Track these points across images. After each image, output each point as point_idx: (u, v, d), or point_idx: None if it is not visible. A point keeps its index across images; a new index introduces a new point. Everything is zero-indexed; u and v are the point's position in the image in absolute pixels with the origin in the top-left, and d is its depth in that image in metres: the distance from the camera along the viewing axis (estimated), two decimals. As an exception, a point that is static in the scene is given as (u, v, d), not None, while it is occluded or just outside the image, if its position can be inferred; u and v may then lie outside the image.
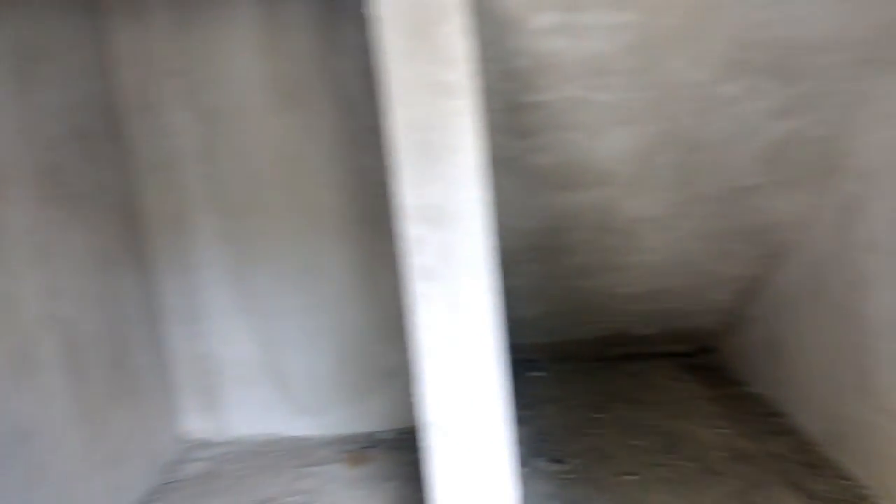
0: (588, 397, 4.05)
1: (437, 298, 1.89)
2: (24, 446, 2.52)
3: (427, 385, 1.98)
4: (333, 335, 3.70)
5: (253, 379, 3.76)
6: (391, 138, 1.82)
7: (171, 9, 3.45)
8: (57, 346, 2.76)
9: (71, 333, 2.86)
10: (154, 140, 3.54)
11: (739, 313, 3.86)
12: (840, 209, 2.70)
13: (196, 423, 3.82)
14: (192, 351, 3.74)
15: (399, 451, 3.60)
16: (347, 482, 3.37)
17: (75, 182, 3.01)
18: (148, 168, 3.56)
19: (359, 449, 3.65)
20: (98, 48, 3.35)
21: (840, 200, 2.68)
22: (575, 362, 4.53)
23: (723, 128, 2.49)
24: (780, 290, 3.43)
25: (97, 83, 3.31)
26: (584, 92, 2.30)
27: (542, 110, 2.37)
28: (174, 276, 3.66)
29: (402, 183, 1.81)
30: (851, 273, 2.69)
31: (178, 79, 3.49)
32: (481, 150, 1.79)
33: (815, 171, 2.68)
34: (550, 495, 3.03)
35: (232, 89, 3.50)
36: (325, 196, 3.56)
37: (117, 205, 3.36)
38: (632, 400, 3.93)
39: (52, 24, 2.95)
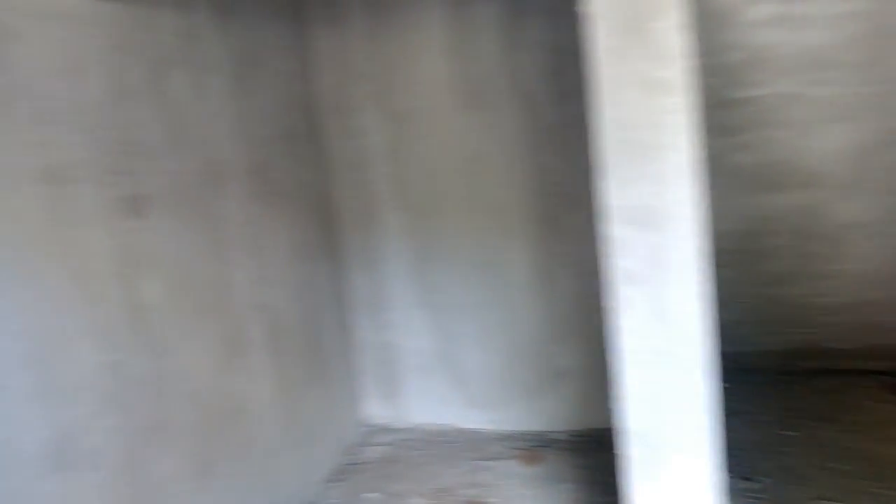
0: (776, 413, 3.78)
1: (641, 303, 1.84)
2: (236, 421, 2.76)
3: (627, 391, 1.94)
4: (508, 332, 3.73)
5: (430, 370, 3.88)
6: (597, 137, 1.79)
7: (365, 16, 3.63)
8: (263, 331, 3.00)
9: (274, 319, 3.09)
10: (346, 141, 3.75)
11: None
12: None
13: (377, 409, 4.01)
14: (375, 340, 3.92)
15: (572, 453, 3.57)
16: (522, 479, 3.39)
17: (280, 180, 3.25)
18: (340, 167, 3.78)
19: (532, 447, 3.65)
20: (301, 54, 3.60)
21: None
22: (760, 374, 4.24)
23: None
24: None
25: (300, 87, 3.56)
26: (799, 87, 2.15)
27: (749, 107, 2.24)
28: (361, 269, 3.86)
29: (608, 183, 1.78)
30: None
31: (370, 82, 3.67)
32: (694, 149, 1.72)
33: None
34: (741, 515, 2.88)
35: (419, 91, 3.63)
36: (505, 194, 3.60)
37: (314, 201, 3.59)
38: (827, 419, 3.61)
39: (264, 33, 3.21)
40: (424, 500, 3.29)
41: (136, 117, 2.29)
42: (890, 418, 3.56)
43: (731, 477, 3.19)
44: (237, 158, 2.91)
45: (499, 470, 3.49)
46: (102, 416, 2.06)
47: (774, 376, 4.24)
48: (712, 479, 1.99)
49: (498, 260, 3.68)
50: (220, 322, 2.70)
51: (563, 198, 3.52)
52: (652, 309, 1.85)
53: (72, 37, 2.04)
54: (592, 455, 3.53)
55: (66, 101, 1.99)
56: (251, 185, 2.99)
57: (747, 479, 3.14)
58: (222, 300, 2.73)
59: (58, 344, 1.91)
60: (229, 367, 2.74)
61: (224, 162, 2.80)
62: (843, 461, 3.24)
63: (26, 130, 1.84)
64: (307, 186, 3.53)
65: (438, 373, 3.88)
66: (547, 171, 3.53)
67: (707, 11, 1.95)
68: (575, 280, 3.60)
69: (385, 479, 3.48)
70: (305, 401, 3.34)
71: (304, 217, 3.45)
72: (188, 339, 2.48)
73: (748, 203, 2.75)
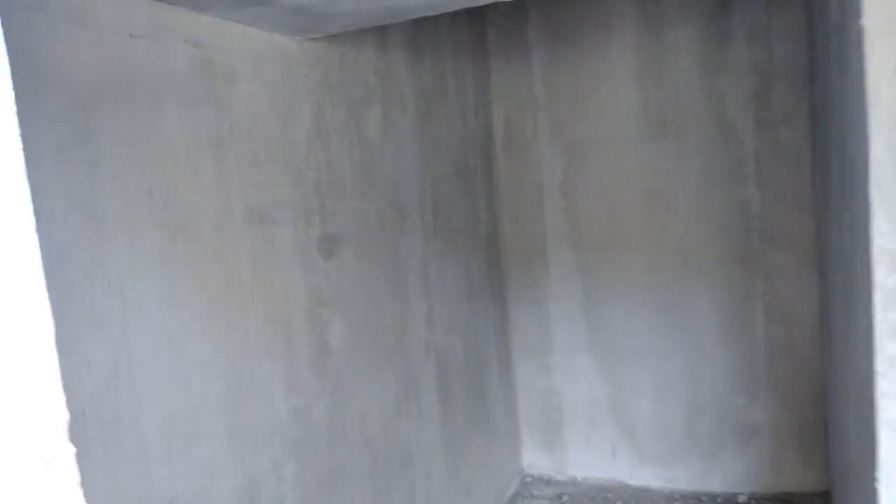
0: None
1: (916, 363, 1.54)
2: (403, 468, 2.62)
3: (889, 469, 1.62)
4: (687, 382, 3.41)
5: (597, 420, 3.61)
6: (866, 169, 1.52)
7: (547, 47, 3.50)
8: (433, 374, 2.86)
9: (443, 362, 2.95)
10: (519, 174, 3.61)
11: None
12: None
13: (537, 459, 3.77)
14: (538, 385, 3.70)
15: (759, 520, 3.18)
16: (701, 547, 3.04)
17: (453, 215, 3.14)
18: (511, 202, 3.64)
19: (712, 510, 3.30)
20: (480, 88, 3.53)
21: None
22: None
23: None
24: None
25: (477, 121, 3.47)
26: None
27: None
28: (526, 309, 3.67)
29: (876, 223, 1.50)
30: None
31: (547, 113, 3.52)
32: None
33: None
34: None
35: (599, 121, 3.44)
36: (692, 230, 3.32)
37: (483, 238, 3.46)
38: None
39: (447, 67, 3.15)
40: (591, 562, 3.01)
41: (334, 157, 2.24)
42: None
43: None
44: (417, 195, 2.83)
45: (675, 534, 3.16)
46: (287, 462, 1.96)
47: None
48: None
49: (680, 303, 3.38)
50: (396, 365, 2.58)
51: (763, 234, 3.20)
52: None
53: (284, 78, 2.02)
54: (785, 524, 3.13)
55: (275, 143, 1.96)
56: (429, 222, 2.90)
57: None
58: (399, 342, 2.62)
59: (252, 389, 1.83)
60: (401, 413, 2.61)
61: (406, 199, 2.72)
62: None
63: (240, 172, 1.81)
64: (477, 223, 3.41)
65: (606, 423, 3.61)
66: (745, 205, 3.22)
67: None
68: (771, 327, 3.24)
69: (547, 536, 3.23)
70: (467, 449, 3.17)
71: (472, 254, 3.32)
72: (366, 382, 2.37)
73: None
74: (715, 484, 3.42)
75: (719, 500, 3.37)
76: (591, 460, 3.64)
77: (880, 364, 1.59)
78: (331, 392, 2.16)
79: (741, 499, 3.34)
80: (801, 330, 3.18)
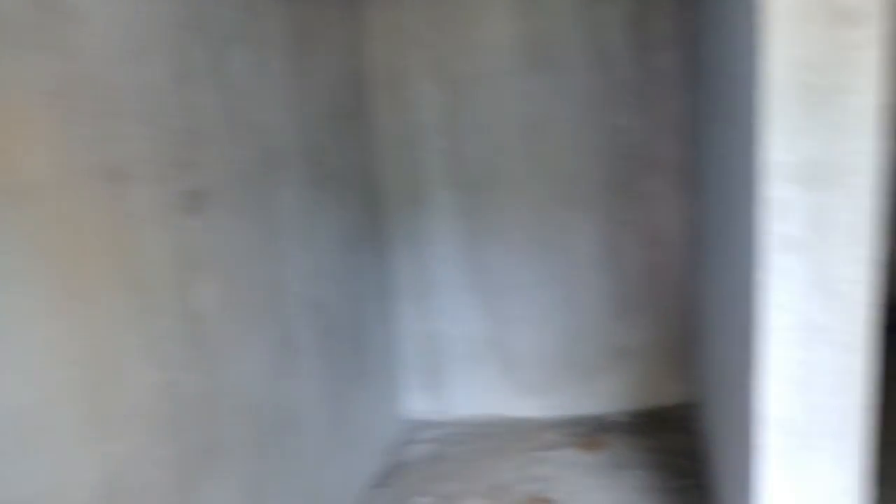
0: None
1: (798, 273, 1.58)
2: (288, 433, 2.45)
3: (770, 373, 1.68)
4: (566, 311, 3.47)
5: (478, 358, 3.61)
6: (761, 81, 1.51)
7: None
8: (313, 330, 2.69)
9: (324, 316, 2.79)
10: (398, 115, 3.42)
11: None
12: None
13: (421, 403, 3.73)
14: (421, 329, 3.63)
15: (635, 436, 3.34)
16: (584, 469, 3.15)
17: (330, 161, 2.92)
18: (389, 145, 3.45)
19: (591, 433, 3.41)
20: (356, 25, 3.28)
21: None
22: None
23: None
24: None
25: (351, 60, 3.22)
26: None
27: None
28: (408, 254, 3.56)
29: (770, 135, 1.51)
30: None
31: (425, 50, 3.33)
32: (881, 92, 1.45)
33: None
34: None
35: (478, 56, 3.31)
36: (571, 162, 3.32)
37: (361, 182, 3.27)
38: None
39: (322, 4, 2.87)
40: (480, 499, 3.03)
41: (198, 103, 1.96)
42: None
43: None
44: (292, 142, 2.59)
45: (558, 460, 3.24)
46: (155, 445, 1.75)
47: None
48: (864, 467, 1.76)
49: (560, 234, 3.40)
50: (275, 325, 2.39)
51: (637, 161, 3.25)
52: (811, 279, 1.59)
53: (139, 17, 1.72)
54: (659, 436, 3.31)
55: (130, 90, 1.67)
56: (305, 170, 2.67)
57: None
58: (278, 301, 2.42)
59: (111, 368, 1.59)
60: (281, 374, 2.43)
61: (280, 147, 2.48)
62: None
63: (89, 124, 1.52)
64: (354, 167, 3.21)
65: (488, 360, 3.61)
66: (621, 133, 3.25)
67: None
68: (643, 251, 3.34)
69: (435, 480, 3.21)
70: (351, 402, 3.05)
71: (351, 201, 3.13)
72: (244, 347, 2.17)
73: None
74: (593, 407, 3.55)
75: (597, 421, 3.50)
76: (473, 398, 3.65)
77: (764, 274, 1.63)
78: (204, 362, 1.94)
79: (618, 418, 3.49)
80: (671, 253, 3.31)
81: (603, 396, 3.54)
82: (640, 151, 3.23)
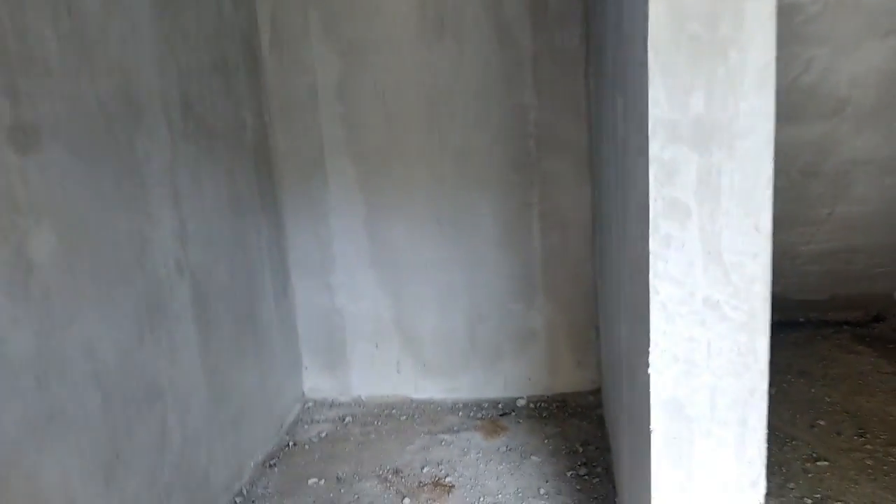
0: (745, 368, 3.59)
1: (688, 241, 1.48)
2: (152, 405, 2.24)
3: (659, 352, 1.58)
4: (469, 292, 3.34)
5: (381, 336, 3.45)
6: (643, 34, 1.40)
7: None
8: (187, 297, 2.48)
9: (201, 282, 2.57)
10: (291, 77, 3.20)
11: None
12: None
13: (320, 382, 3.55)
14: (320, 304, 3.44)
15: (539, 422, 3.24)
16: (484, 453, 3.04)
17: (210, 118, 2.70)
18: (283, 108, 3.24)
19: (494, 417, 3.30)
20: None
21: None
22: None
23: None
24: None
25: (237, 13, 2.99)
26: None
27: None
28: (304, 226, 3.35)
29: (657, 90, 1.39)
30: None
31: (316, 9, 3.12)
32: (769, 45, 1.35)
33: None
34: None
35: (376, 20, 3.11)
36: (472, 138, 3.17)
37: (250, 145, 3.05)
38: (800, 373, 3.45)
39: None
40: (376, 482, 2.89)
41: (30, 26, 1.72)
42: (862, 369, 3.43)
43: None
44: (160, 88, 2.36)
45: (458, 444, 3.12)
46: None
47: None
48: (758, 455, 1.67)
49: (461, 213, 3.26)
50: (135, 286, 2.17)
51: (539, 141, 3.13)
52: (702, 248, 1.48)
53: None
54: (563, 422, 3.22)
55: None
56: (177, 121, 2.44)
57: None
58: (139, 260, 2.20)
59: None
60: (144, 341, 2.22)
61: (142, 91, 2.25)
62: (823, 417, 3.06)
63: None
64: (242, 128, 2.99)
65: (389, 339, 3.46)
66: (523, 111, 3.13)
67: None
68: (547, 233, 3.24)
69: (329, 461, 3.05)
70: (237, 377, 2.85)
71: (236, 163, 2.91)
72: (92, 306, 1.94)
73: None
74: (495, 390, 3.44)
75: (500, 405, 3.39)
76: (375, 378, 3.49)
77: (654, 243, 1.52)
78: (37, 319, 1.72)
79: (520, 402, 3.39)
80: (575, 235, 3.21)
81: (507, 380, 3.43)
82: (543, 132, 3.11)
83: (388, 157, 3.23)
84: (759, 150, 1.40)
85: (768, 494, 1.74)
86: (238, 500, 2.77)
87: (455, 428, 3.23)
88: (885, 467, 2.67)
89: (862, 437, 2.88)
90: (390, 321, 3.42)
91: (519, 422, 3.26)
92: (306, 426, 3.34)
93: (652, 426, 1.69)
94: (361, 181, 3.27)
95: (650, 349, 1.56)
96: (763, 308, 1.49)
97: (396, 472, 2.95)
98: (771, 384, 3.47)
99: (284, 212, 3.35)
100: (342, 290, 3.40)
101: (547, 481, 2.80)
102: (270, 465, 3.00)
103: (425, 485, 2.84)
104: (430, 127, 3.17)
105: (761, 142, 1.40)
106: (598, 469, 2.84)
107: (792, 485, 2.60)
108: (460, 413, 3.36)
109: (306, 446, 3.16)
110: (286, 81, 3.22)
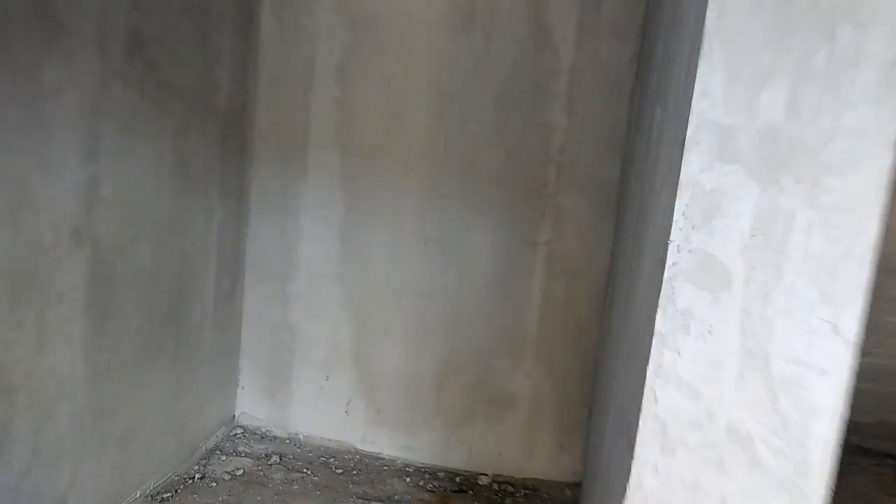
0: None
1: (718, 329, 0.92)
2: (3, 406, 1.72)
3: (643, 499, 1.00)
4: (447, 334, 2.77)
5: (335, 366, 2.89)
6: (700, 31, 0.86)
7: None
8: (81, 274, 1.96)
9: (107, 261, 2.06)
10: (288, 44, 2.73)
11: None
12: None
13: (255, 407, 3.00)
14: (271, 316, 2.91)
15: (499, 508, 2.64)
16: (425, 535, 2.44)
17: (167, 66, 2.23)
18: (272, 77, 2.76)
19: (447, 492, 2.70)
20: None
21: None
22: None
23: None
24: None
25: None
26: None
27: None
28: (270, 219, 2.84)
29: (705, 72, 0.85)
30: None
31: None
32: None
33: None
34: None
35: None
36: (482, 152, 2.64)
37: (221, 113, 2.58)
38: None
39: None
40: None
41: None
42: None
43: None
44: (99, 13, 1.89)
45: (397, 516, 2.53)
46: None
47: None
48: None
49: (454, 238, 2.71)
50: (8, 249, 1.67)
51: (561, 170, 2.58)
52: (740, 343, 0.92)
53: None
54: (527, 515, 2.61)
55: None
56: (114, 55, 1.97)
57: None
58: (12, 214, 1.69)
59: None
60: (6, 326, 1.70)
61: (73, 8, 1.77)
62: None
63: None
64: (215, 90, 2.52)
65: (343, 371, 2.90)
66: (547, 131, 2.60)
67: None
68: (551, 281, 2.67)
69: (236, 507, 2.48)
70: (139, 385, 2.31)
71: (198, 131, 2.43)
72: None
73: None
74: (457, 460, 2.85)
75: (458, 479, 2.79)
76: (319, 416, 2.93)
77: (664, 320, 0.95)
78: None
79: (483, 480, 2.79)
80: (584, 290, 2.64)
81: (473, 451, 2.83)
82: (567, 159, 2.57)
83: (382, 155, 2.71)
84: (863, 196, 0.84)
85: None
86: (102, 538, 2.22)
87: (397, 497, 2.63)
88: None
89: None
90: (348, 350, 2.86)
91: (475, 502, 2.65)
92: (224, 457, 2.78)
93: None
94: (346, 178, 2.75)
95: (627, 492, 0.97)
96: (823, 461, 0.91)
97: (312, 539, 2.37)
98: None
99: (250, 199, 2.85)
100: (300, 302, 2.86)
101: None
102: (160, 501, 2.44)
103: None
104: (436, 129, 2.65)
105: (869, 183, 0.83)
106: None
107: None
108: (409, 479, 2.77)
109: (214, 484, 2.59)
110: (281, 48, 2.74)
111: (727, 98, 0.86)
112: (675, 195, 0.90)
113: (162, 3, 2.15)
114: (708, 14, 0.83)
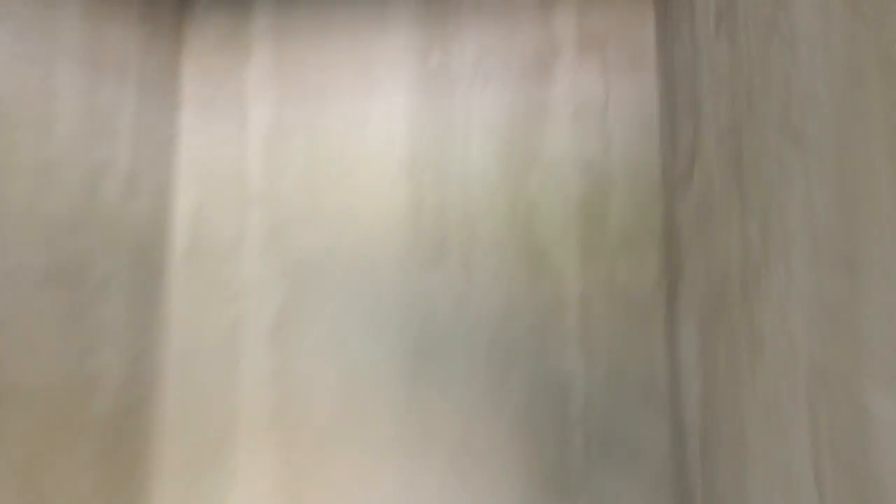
0: None
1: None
2: None
3: None
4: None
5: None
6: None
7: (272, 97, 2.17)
8: None
9: None
10: (204, 302, 2.08)
11: None
12: None
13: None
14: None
15: None
16: None
17: (18, 368, 1.52)
18: (184, 352, 2.06)
19: None
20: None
21: None
22: None
23: None
24: None
25: (131, 198, 1.95)
26: None
27: None
28: None
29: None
30: None
31: (261, 204, 2.10)
32: None
33: None
34: None
35: (344, 231, 2.06)
36: (481, 425, 1.88)
37: (99, 421, 1.82)
38: None
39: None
40: None
41: None
42: None
43: None
44: None
45: None
46: None
47: None
48: None
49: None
50: None
51: (594, 436, 1.83)
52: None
53: None
54: None
55: None
56: None
57: None
58: None
59: None
60: None
61: None
62: None
63: None
64: (94, 388, 1.78)
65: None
66: (563, 385, 1.87)
67: None
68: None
69: None
70: None
71: (67, 456, 1.66)
72: None
73: None
74: None
75: None
76: None
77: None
78: None
79: None
80: None
81: None
82: (595, 419, 1.80)
83: (335, 444, 1.92)
84: None
85: None
86: None
87: None
88: None
89: None
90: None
91: None
92: None
93: None
94: (289, 490, 1.93)
95: None
96: None
97: None
98: None
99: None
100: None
101: None
102: None
103: None
104: (409, 399, 1.91)
105: None
106: None
107: None
108: None
109: None
110: (199, 309, 2.07)
111: None
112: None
113: (14, 272, 1.50)
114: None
